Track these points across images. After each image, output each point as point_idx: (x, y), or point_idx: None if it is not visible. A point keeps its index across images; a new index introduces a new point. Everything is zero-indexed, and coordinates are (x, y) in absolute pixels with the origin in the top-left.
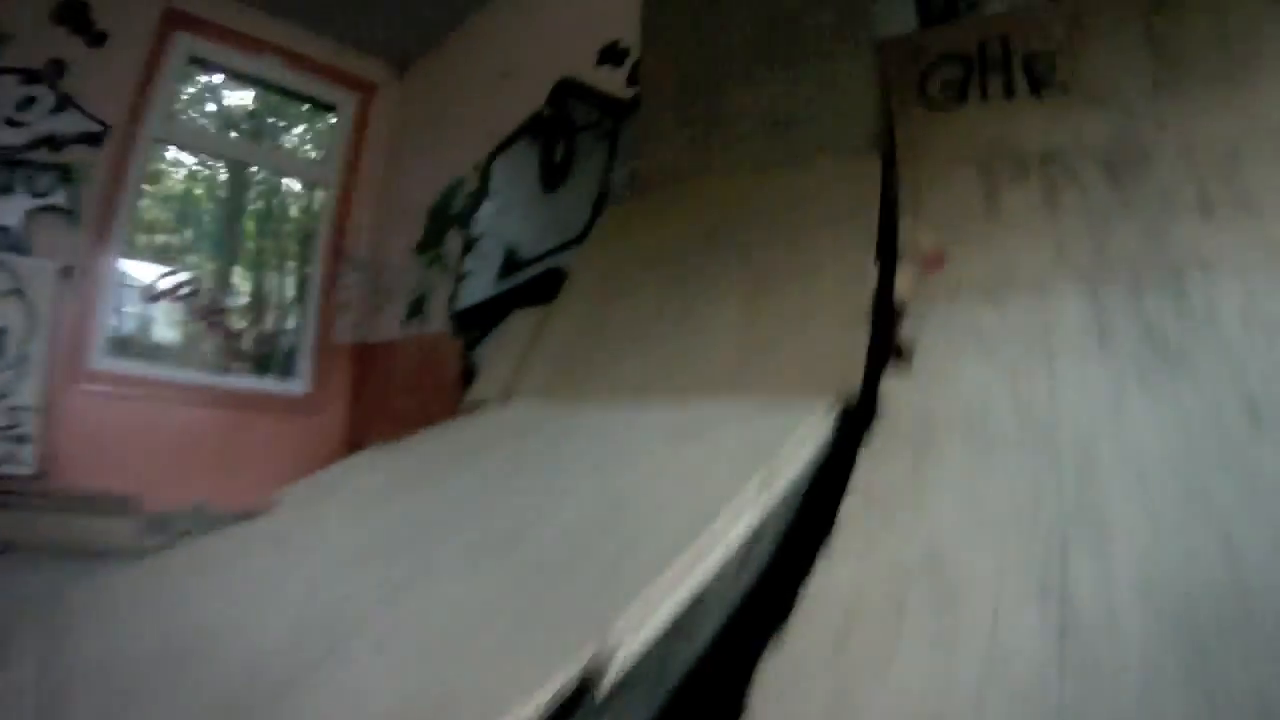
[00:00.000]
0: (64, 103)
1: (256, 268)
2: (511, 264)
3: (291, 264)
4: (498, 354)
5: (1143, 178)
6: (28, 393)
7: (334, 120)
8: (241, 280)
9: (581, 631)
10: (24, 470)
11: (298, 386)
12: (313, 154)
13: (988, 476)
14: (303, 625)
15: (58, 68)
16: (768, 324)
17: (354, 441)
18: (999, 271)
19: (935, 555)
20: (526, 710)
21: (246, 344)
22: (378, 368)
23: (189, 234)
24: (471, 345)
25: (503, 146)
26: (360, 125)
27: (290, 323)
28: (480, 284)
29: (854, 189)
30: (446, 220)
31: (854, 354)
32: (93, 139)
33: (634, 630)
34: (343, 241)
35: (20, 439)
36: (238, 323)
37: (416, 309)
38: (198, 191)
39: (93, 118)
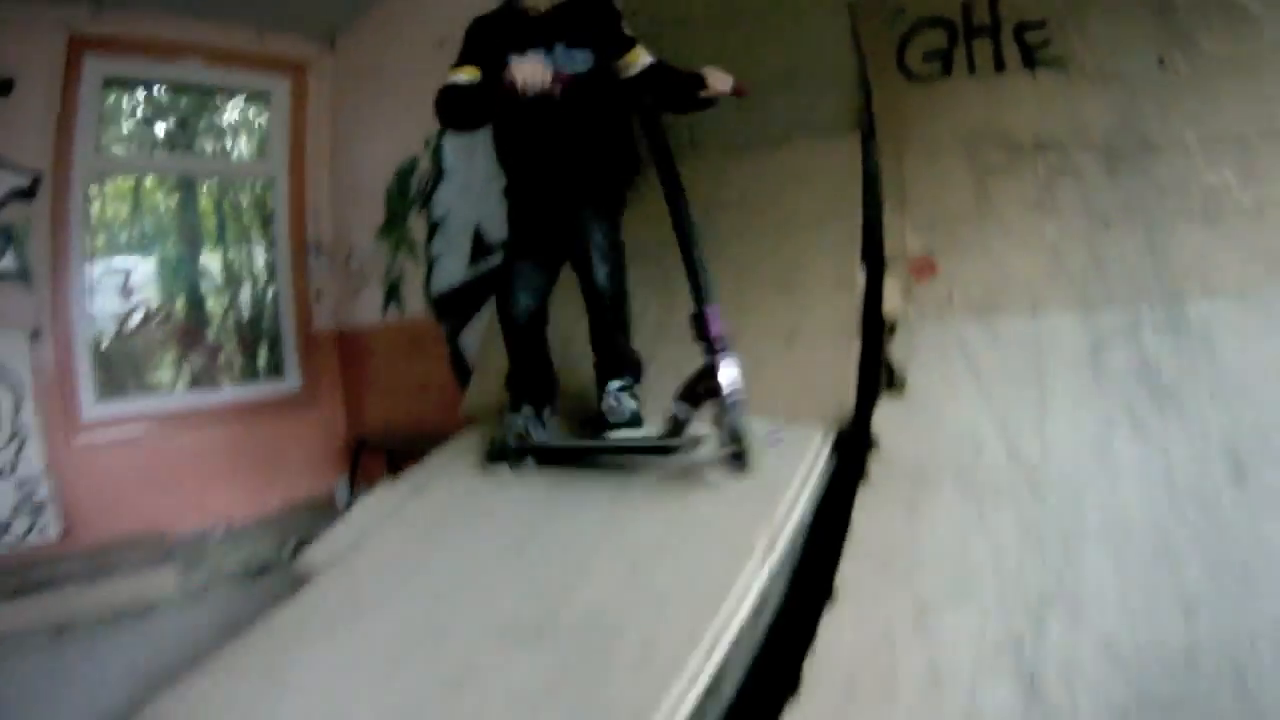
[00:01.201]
0: None
1: (223, 274)
2: (480, 246)
3: (256, 261)
4: (486, 356)
5: (1145, 173)
6: (31, 462)
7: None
8: (208, 291)
9: None
10: (49, 537)
11: (289, 384)
12: (253, 144)
13: (977, 532)
14: None
15: None
16: (756, 337)
17: (354, 429)
18: (991, 284)
19: (924, 614)
20: None
21: (229, 353)
22: (364, 354)
23: (147, 257)
24: (455, 331)
25: None
26: (298, 107)
27: (266, 321)
28: (452, 267)
29: (835, 182)
30: (406, 203)
31: (845, 373)
32: (25, 193)
33: None
34: (304, 229)
35: (37, 508)
36: (214, 335)
37: (393, 294)
38: (144, 211)
39: (20, 169)
